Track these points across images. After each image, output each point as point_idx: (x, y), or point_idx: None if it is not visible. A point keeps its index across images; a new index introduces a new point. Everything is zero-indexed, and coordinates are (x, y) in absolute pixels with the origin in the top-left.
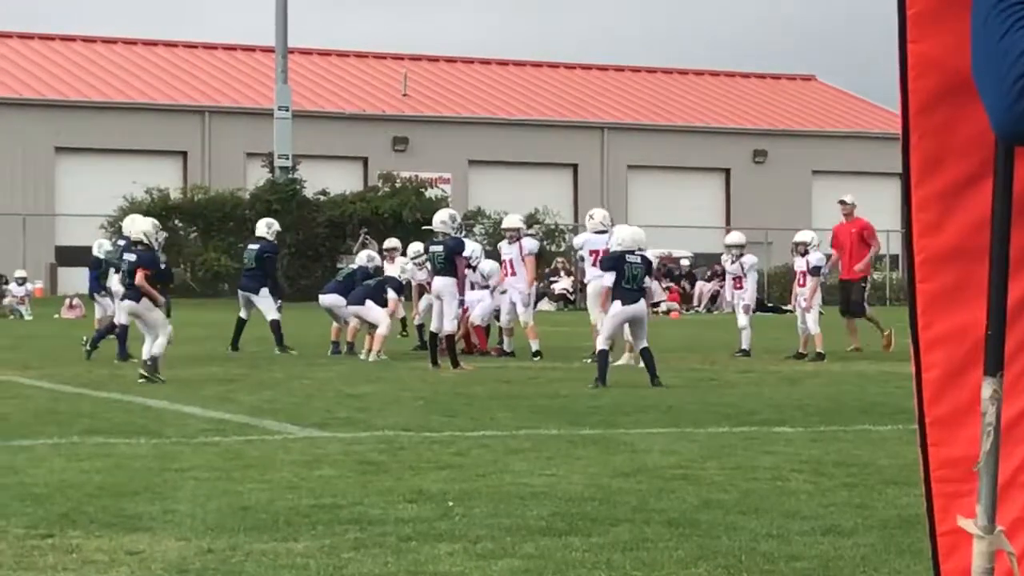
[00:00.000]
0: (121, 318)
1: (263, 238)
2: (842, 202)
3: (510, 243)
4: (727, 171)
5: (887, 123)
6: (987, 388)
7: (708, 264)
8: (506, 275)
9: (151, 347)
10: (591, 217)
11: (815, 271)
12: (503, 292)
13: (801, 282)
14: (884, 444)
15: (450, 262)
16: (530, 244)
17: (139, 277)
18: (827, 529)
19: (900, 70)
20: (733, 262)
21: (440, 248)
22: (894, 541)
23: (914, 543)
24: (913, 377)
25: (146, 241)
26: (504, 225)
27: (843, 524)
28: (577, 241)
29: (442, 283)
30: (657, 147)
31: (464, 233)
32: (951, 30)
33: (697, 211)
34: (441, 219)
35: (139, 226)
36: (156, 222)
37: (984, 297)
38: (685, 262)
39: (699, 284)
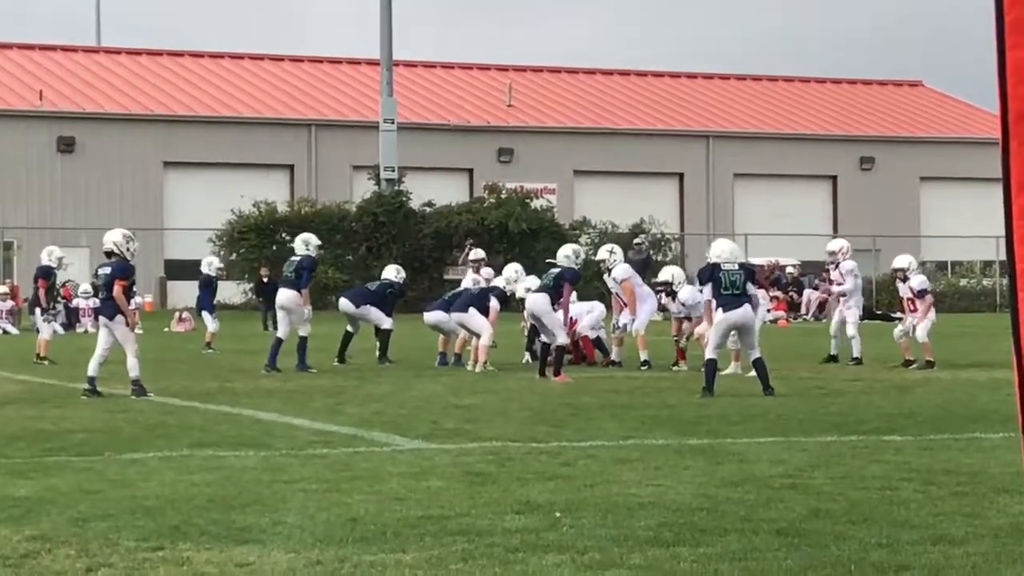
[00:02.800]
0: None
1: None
2: None
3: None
4: (834, 178)
5: (995, 129)
6: None
7: (816, 272)
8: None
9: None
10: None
11: (921, 294)
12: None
13: (912, 308)
14: (995, 452)
15: (557, 286)
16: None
17: (116, 289)
18: (937, 538)
19: (999, 77)
20: (835, 268)
21: (554, 272)
22: (1006, 550)
23: None
24: (1016, 385)
25: (117, 251)
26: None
27: (953, 533)
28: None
29: (543, 301)
30: (763, 155)
31: (647, 254)
32: None
33: (804, 219)
34: (565, 253)
35: (109, 236)
36: (127, 232)
37: None
38: (791, 270)
39: (806, 292)
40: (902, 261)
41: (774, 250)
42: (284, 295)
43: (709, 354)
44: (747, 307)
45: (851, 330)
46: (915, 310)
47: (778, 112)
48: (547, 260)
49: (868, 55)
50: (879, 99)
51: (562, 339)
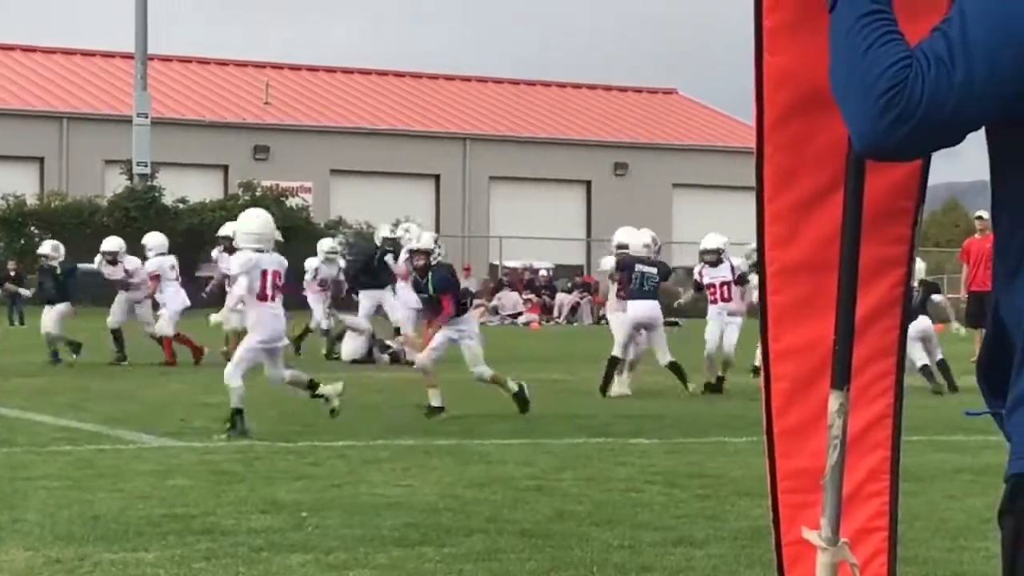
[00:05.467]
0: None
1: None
2: (979, 218)
3: (712, 267)
4: (588, 183)
5: (745, 138)
6: (834, 401)
7: (569, 275)
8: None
9: None
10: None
11: (741, 280)
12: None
13: (725, 297)
14: (739, 456)
15: (657, 287)
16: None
17: None
18: (679, 540)
19: (756, 83)
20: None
21: (654, 270)
22: (745, 552)
23: (765, 554)
24: (762, 389)
25: None
26: (704, 246)
27: (695, 535)
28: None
29: (654, 308)
30: (519, 158)
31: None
32: (807, 43)
33: (558, 223)
34: (644, 242)
35: None
36: None
37: (833, 310)
38: (545, 273)
39: (559, 295)
40: (714, 241)
41: (528, 253)
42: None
43: (616, 351)
44: (655, 304)
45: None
46: (728, 299)
47: (535, 116)
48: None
49: (626, 62)
50: (635, 106)
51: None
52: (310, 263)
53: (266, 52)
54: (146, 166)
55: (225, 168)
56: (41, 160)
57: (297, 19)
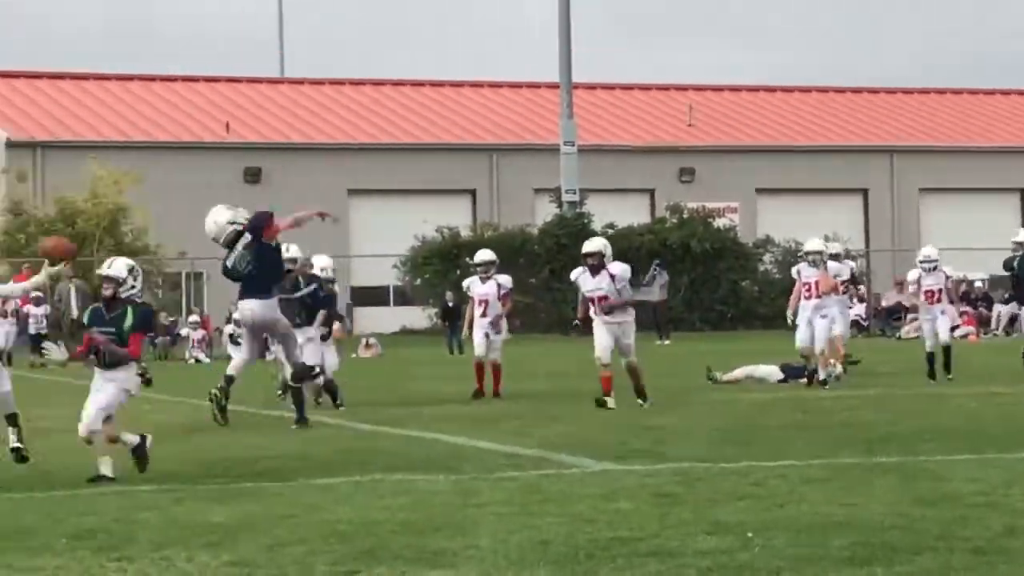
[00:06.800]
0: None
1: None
2: None
3: (811, 266)
4: (1022, 191)
5: None
6: None
7: (1005, 287)
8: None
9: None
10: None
11: None
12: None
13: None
14: None
15: None
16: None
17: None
18: None
19: None
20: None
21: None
22: None
23: None
24: None
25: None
26: (807, 248)
27: None
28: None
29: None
30: (949, 169)
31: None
32: None
33: (991, 233)
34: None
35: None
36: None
37: None
38: (980, 284)
39: (996, 307)
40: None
41: (963, 265)
42: None
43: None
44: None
45: None
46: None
47: (963, 125)
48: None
49: None
50: None
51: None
52: None
53: (687, 75)
54: (575, 193)
55: (651, 192)
56: (473, 192)
57: (717, 43)
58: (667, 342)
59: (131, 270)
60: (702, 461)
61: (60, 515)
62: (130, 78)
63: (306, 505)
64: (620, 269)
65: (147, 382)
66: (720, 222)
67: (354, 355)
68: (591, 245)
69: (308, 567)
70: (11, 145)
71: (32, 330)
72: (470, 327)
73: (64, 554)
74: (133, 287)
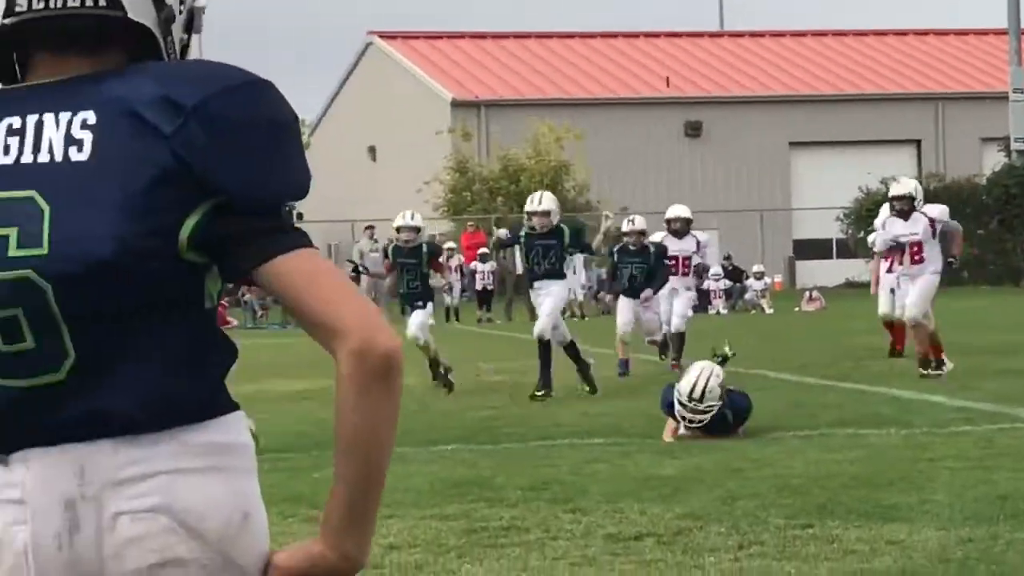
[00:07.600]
0: None
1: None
2: None
3: None
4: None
5: None
6: None
7: None
8: None
9: None
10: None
11: None
12: None
13: None
14: None
15: None
16: None
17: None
18: None
19: None
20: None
21: None
22: None
23: None
24: None
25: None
26: None
27: None
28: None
29: None
30: None
31: None
32: None
33: None
34: None
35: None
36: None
37: None
38: None
39: None
40: None
41: None
42: None
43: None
44: None
45: None
46: None
47: None
48: None
49: None
50: None
51: None
52: None
53: None
54: None
55: None
56: (918, 143)
57: None
58: None
59: None
60: None
61: (514, 468)
62: (571, 35)
63: (754, 459)
64: (939, 211)
65: None
66: None
67: (797, 308)
68: (901, 188)
69: (761, 520)
70: (456, 105)
71: (479, 286)
72: (876, 282)
73: (519, 504)
74: None
